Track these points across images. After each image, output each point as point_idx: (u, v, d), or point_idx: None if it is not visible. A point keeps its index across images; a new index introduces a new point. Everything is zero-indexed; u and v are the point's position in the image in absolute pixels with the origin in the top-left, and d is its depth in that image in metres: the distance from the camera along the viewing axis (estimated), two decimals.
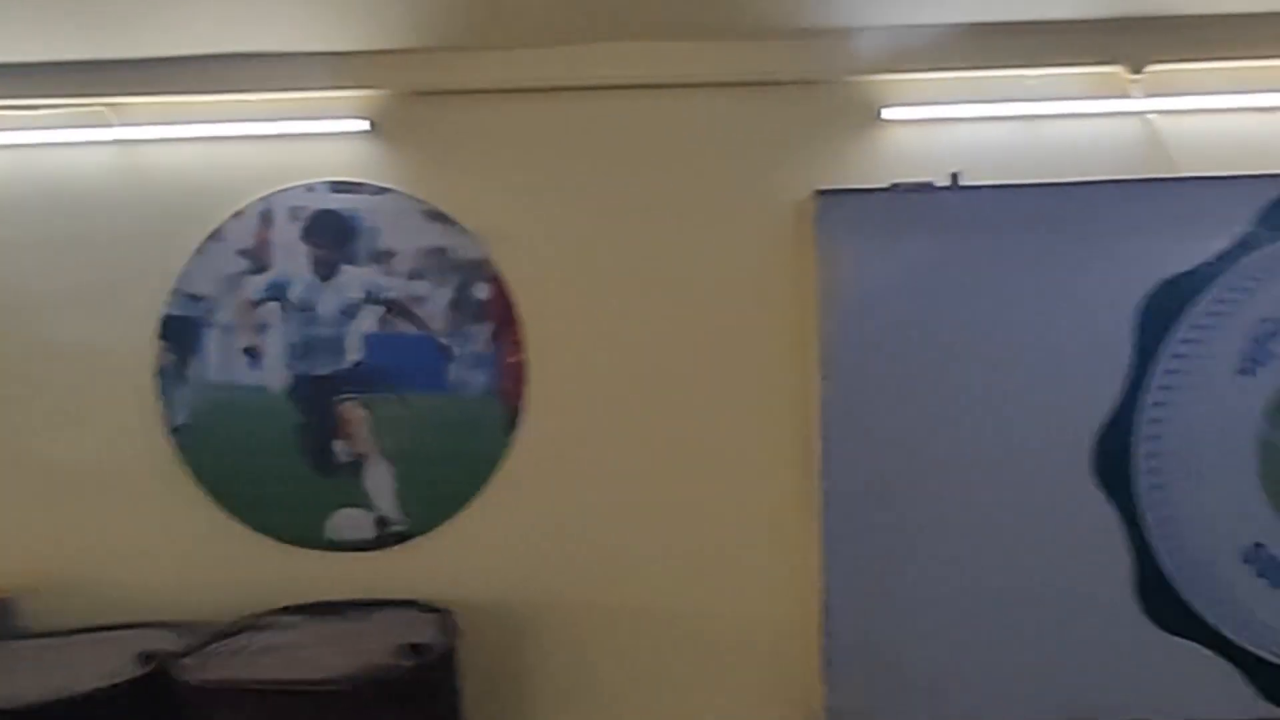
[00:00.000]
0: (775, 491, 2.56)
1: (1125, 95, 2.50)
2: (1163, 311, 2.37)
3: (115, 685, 2.19)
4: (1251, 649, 2.40)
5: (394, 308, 2.57)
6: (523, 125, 2.59)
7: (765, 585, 2.59)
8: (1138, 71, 2.48)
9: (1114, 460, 2.39)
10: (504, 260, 2.58)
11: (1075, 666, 2.42)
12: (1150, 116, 2.50)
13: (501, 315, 2.58)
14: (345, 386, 2.59)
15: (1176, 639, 2.41)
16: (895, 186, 2.43)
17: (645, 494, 2.58)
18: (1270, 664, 2.40)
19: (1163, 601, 2.40)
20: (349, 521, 2.60)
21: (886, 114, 2.54)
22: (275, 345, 2.57)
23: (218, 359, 2.58)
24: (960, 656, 2.43)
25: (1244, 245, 2.35)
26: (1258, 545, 2.37)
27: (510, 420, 2.59)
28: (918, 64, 2.53)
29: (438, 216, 2.57)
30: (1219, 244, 2.36)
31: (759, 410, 2.56)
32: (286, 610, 2.54)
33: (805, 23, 2.46)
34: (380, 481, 2.59)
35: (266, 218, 2.57)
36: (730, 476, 2.58)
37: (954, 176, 2.42)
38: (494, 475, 2.59)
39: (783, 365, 2.53)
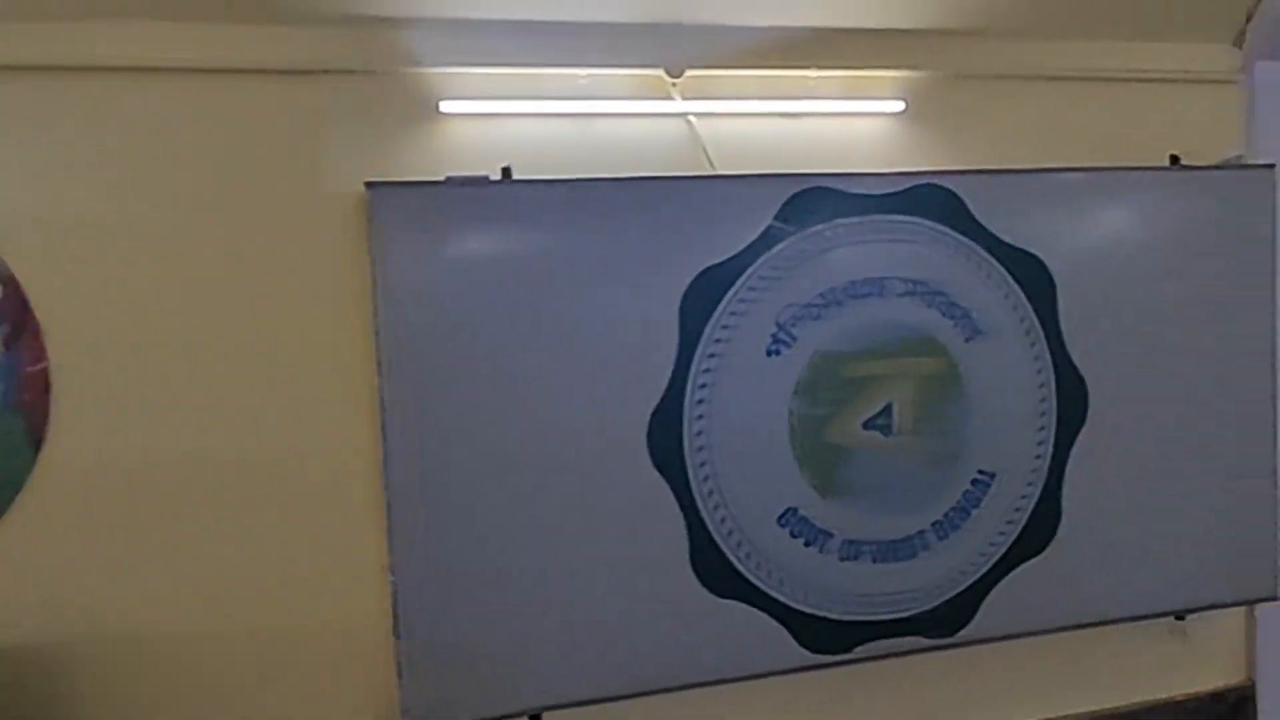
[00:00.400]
0: (343, 494, 2.48)
1: (668, 97, 2.65)
2: (702, 301, 2.54)
3: None
4: (791, 604, 2.64)
5: None
6: (39, 107, 2.32)
7: (338, 592, 2.50)
8: (677, 76, 2.64)
9: (666, 442, 2.53)
10: (16, 257, 2.30)
11: (641, 639, 2.55)
12: (691, 118, 2.67)
13: (16, 318, 2.30)
14: None
15: (728, 602, 2.60)
16: (449, 180, 2.42)
17: (200, 509, 2.41)
18: (808, 616, 2.65)
19: (714, 568, 2.58)
20: None
21: (445, 107, 2.52)
22: None
23: None
24: (533, 642, 2.48)
25: (768, 238, 2.57)
26: (791, 509, 2.61)
27: (34, 437, 2.31)
28: (476, 59, 2.54)
29: None
30: (748, 237, 2.56)
31: (321, 411, 2.47)
32: None
33: (361, 11, 2.40)
34: None
35: None
36: (293, 483, 2.46)
37: (505, 171, 2.46)
38: (16, 500, 2.30)
39: (343, 364, 2.46)
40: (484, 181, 2.44)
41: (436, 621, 2.43)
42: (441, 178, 2.44)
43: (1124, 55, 2.92)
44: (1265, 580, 2.97)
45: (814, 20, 2.71)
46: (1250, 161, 2.95)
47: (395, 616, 2.38)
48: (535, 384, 2.46)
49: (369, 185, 2.35)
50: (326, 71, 2.47)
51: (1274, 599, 2.99)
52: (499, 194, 2.45)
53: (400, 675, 2.39)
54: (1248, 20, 2.94)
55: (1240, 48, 3.01)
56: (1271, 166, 2.89)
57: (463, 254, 2.43)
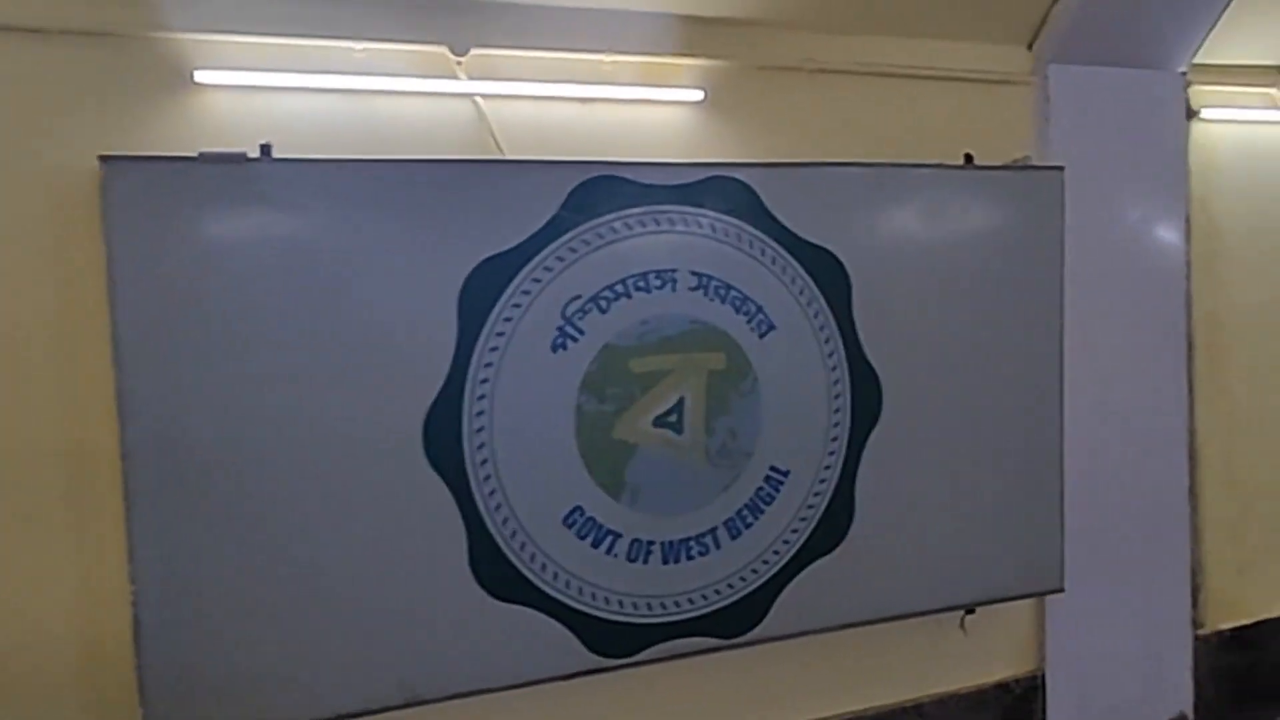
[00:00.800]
0: (79, 499, 2.27)
1: (452, 76, 2.51)
2: (483, 291, 2.42)
3: None
4: (577, 606, 2.55)
5: None
6: None
7: (74, 604, 2.29)
8: (463, 54, 2.51)
9: (444, 439, 2.40)
10: None
11: (415, 647, 2.43)
12: (478, 99, 2.54)
13: None
14: None
15: (511, 606, 2.49)
16: (201, 156, 2.23)
17: None
18: (594, 618, 2.57)
19: (496, 571, 2.47)
20: None
21: (201, 77, 2.32)
22: None
23: None
24: (295, 654, 2.33)
25: (554, 227, 2.46)
26: (577, 508, 2.52)
27: None
28: (237, 25, 2.35)
29: None
30: (534, 225, 2.45)
31: (49, 407, 2.25)
32: None
33: None
34: None
35: None
36: (24, 487, 2.24)
37: (264, 148, 2.27)
38: None
39: (75, 356, 2.24)
40: (240, 159, 2.25)
41: (184, 634, 2.25)
42: (195, 154, 2.23)
43: (922, 53, 2.93)
44: (1051, 573, 3.05)
45: (611, 2, 2.61)
46: (1042, 163, 3.00)
47: (137, 630, 2.19)
48: (297, 378, 2.30)
49: (104, 159, 2.14)
50: (62, 32, 2.24)
51: (1060, 591, 3.06)
52: (257, 173, 2.27)
53: (142, 695, 2.20)
54: (1041, 23, 2.98)
55: (1034, 50, 3.06)
56: (1061, 169, 2.95)
57: (216, 238, 2.26)
